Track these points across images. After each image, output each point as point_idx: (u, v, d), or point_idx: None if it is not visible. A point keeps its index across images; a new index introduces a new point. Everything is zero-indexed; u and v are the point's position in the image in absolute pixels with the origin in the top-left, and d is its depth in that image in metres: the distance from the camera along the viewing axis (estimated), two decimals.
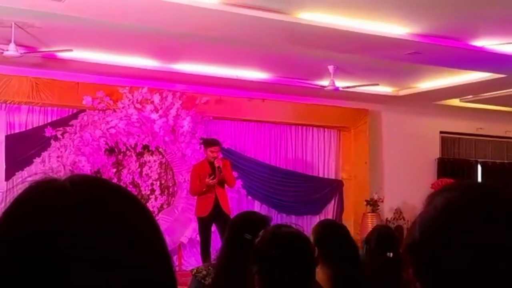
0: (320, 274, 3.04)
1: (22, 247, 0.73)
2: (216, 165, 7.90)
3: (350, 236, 3.19)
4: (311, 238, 3.10)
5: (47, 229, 0.73)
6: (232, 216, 6.55)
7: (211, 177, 7.84)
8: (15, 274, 0.72)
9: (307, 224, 9.95)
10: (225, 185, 8.08)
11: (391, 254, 3.80)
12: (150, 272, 0.77)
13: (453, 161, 11.57)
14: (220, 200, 7.91)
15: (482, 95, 9.92)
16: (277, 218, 9.90)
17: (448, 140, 11.79)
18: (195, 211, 8.14)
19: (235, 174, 9.43)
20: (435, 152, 11.50)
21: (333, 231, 3.16)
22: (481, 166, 11.84)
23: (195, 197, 8.18)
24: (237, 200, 9.43)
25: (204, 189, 7.93)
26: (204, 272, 3.21)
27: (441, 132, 11.60)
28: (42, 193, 0.79)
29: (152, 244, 0.79)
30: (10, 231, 0.75)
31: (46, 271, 0.71)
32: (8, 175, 8.22)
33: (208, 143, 8.23)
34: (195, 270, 3.28)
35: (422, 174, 10.84)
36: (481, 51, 7.16)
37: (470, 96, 10.15)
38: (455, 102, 10.60)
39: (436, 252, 0.91)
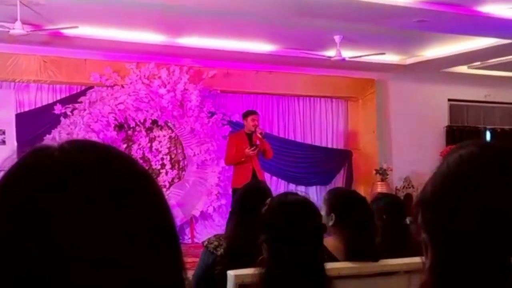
0: (332, 241, 3.08)
1: (5, 221, 0.72)
2: (258, 131, 8.00)
3: (367, 203, 3.22)
4: (325, 205, 3.13)
5: (31, 201, 0.72)
6: None
7: (252, 148, 7.92)
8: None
9: (317, 194, 10.01)
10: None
11: (408, 221, 3.82)
12: (152, 251, 0.74)
13: (461, 129, 11.55)
14: (257, 171, 7.98)
15: (489, 61, 9.86)
16: (287, 188, 9.94)
17: (456, 108, 11.76)
18: (231, 182, 8.18)
19: None
20: (444, 120, 11.48)
21: (351, 199, 3.18)
22: (490, 133, 11.81)
23: (229, 168, 8.40)
24: None
25: (243, 159, 8.00)
26: (216, 243, 3.25)
27: (449, 100, 11.56)
28: (28, 164, 0.77)
29: (153, 219, 0.76)
30: None
31: (28, 246, 0.70)
32: (20, 154, 8.23)
33: (248, 112, 8.36)
34: (206, 242, 3.32)
35: (431, 142, 10.84)
36: (488, 17, 7.11)
37: (478, 63, 10.09)
38: (463, 69, 10.55)
39: (447, 207, 0.90)
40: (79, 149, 0.78)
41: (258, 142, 8.02)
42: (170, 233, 0.78)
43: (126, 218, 0.73)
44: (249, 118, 8.11)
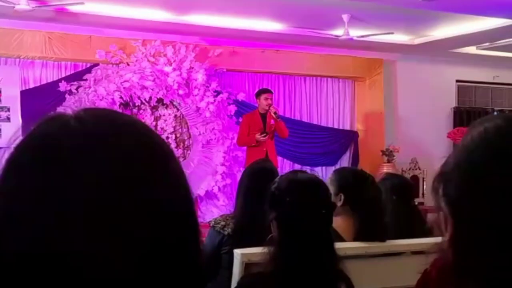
0: (339, 221, 3.05)
1: (19, 193, 0.70)
2: (272, 111, 7.99)
3: (376, 183, 3.19)
4: (332, 186, 3.10)
5: (45, 172, 0.70)
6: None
7: (262, 135, 7.89)
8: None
9: (322, 175, 9.99)
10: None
11: (416, 202, 3.80)
12: (170, 222, 0.73)
13: (469, 110, 11.47)
14: (269, 153, 7.94)
15: (498, 42, 9.76)
16: (292, 169, 9.93)
17: (464, 89, 11.68)
18: (245, 163, 8.14)
19: None
20: (451, 101, 11.41)
21: (360, 178, 3.15)
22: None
23: (242, 148, 8.47)
24: None
25: (253, 144, 7.99)
26: (223, 223, 3.24)
27: (457, 81, 11.49)
28: (44, 133, 0.76)
29: (170, 192, 0.75)
30: (11, 175, 0.73)
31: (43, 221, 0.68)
32: (24, 131, 8.09)
33: (261, 90, 8.40)
34: (213, 222, 3.31)
35: (438, 124, 10.79)
36: None
37: (487, 44, 9.99)
38: (472, 49, 10.45)
39: (471, 179, 0.89)
40: (96, 118, 0.76)
41: (272, 122, 7.98)
42: (189, 213, 0.78)
43: (142, 194, 0.71)
44: (262, 97, 8.09)
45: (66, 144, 0.72)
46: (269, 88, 8.92)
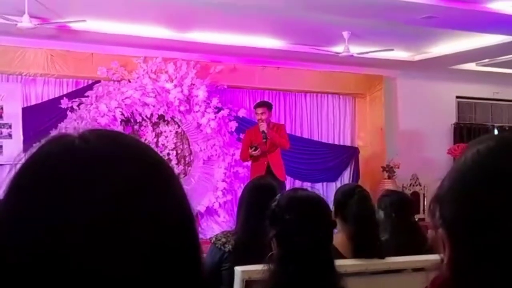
0: (338, 238, 3.06)
1: (25, 214, 0.71)
2: (261, 129, 7.86)
3: (368, 197, 3.20)
4: (333, 200, 3.14)
5: (53, 193, 0.71)
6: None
7: (252, 149, 7.84)
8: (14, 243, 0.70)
9: (324, 192, 9.98)
10: (279, 148, 8.06)
11: (417, 218, 3.81)
12: (172, 241, 0.75)
13: (469, 126, 11.49)
14: (272, 166, 7.88)
15: (498, 58, 9.80)
16: (293, 185, 9.91)
17: (464, 105, 11.71)
18: (249, 178, 8.11)
19: None
20: (451, 117, 11.43)
21: (350, 192, 3.18)
22: (498, 131, 11.76)
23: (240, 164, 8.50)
24: None
25: (250, 159, 7.97)
26: (224, 240, 3.24)
27: (457, 97, 11.51)
28: (49, 153, 0.76)
29: (172, 214, 0.77)
30: (17, 195, 0.74)
31: (47, 240, 0.69)
32: (26, 147, 8.25)
33: (256, 104, 8.31)
34: (214, 238, 3.31)
35: (439, 140, 10.80)
36: (497, 14, 7.06)
37: (486, 60, 10.03)
38: (471, 66, 10.49)
39: (465, 201, 0.89)
40: (101, 139, 0.78)
41: (267, 137, 7.87)
42: (190, 230, 0.80)
43: (146, 216, 0.73)
44: (256, 111, 8.07)
45: (70, 166, 0.73)
46: (267, 102, 8.85)
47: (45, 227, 0.70)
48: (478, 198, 0.88)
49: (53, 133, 7.21)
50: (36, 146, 0.78)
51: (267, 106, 8.12)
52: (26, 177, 0.75)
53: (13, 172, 0.76)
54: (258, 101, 8.60)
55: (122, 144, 0.78)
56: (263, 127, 7.85)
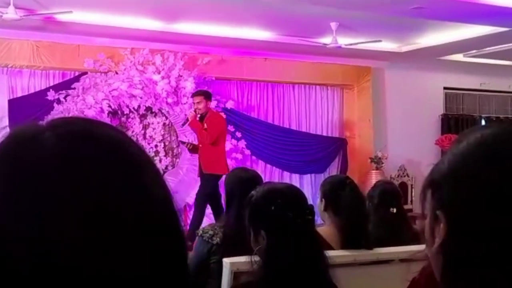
0: (326, 229, 3.07)
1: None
2: (187, 116, 8.00)
3: (356, 188, 3.21)
4: (319, 192, 3.15)
5: (21, 185, 0.68)
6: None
7: (185, 143, 8.01)
8: None
9: (312, 183, 10.01)
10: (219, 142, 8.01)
11: (394, 210, 3.83)
12: (155, 232, 0.72)
13: (457, 117, 11.53)
14: (200, 158, 7.96)
15: (485, 49, 9.83)
16: (281, 177, 9.94)
17: (451, 96, 11.74)
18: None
19: (238, 134, 9.46)
20: (439, 108, 11.47)
21: (339, 183, 3.18)
22: (485, 121, 11.81)
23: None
24: (241, 160, 9.46)
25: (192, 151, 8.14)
26: (211, 232, 3.24)
27: (444, 88, 11.54)
28: (11, 152, 0.72)
29: (156, 218, 0.73)
30: None
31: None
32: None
33: (193, 93, 8.25)
34: (201, 231, 3.30)
35: (426, 131, 10.84)
36: (484, 4, 7.07)
37: (474, 51, 10.06)
38: (459, 57, 10.52)
39: (468, 183, 0.89)
40: (74, 134, 0.73)
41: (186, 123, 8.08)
42: (169, 226, 0.75)
43: (127, 216, 0.70)
44: (193, 100, 8.09)
45: (33, 158, 0.70)
46: (252, 97, 8.78)
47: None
48: (483, 177, 0.88)
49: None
50: (3, 135, 0.74)
51: (204, 95, 8.02)
52: None
53: None
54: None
55: (88, 133, 0.74)
56: (190, 113, 7.94)
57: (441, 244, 0.90)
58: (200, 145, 7.95)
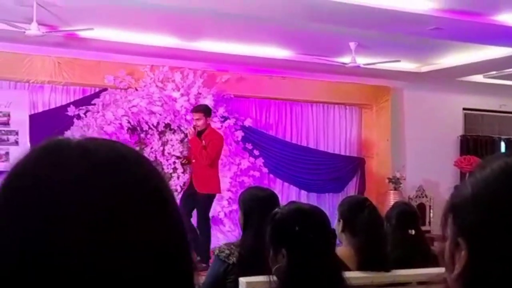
0: (343, 250, 3.05)
1: (20, 221, 0.70)
2: (186, 131, 7.96)
3: (375, 210, 3.20)
4: (337, 213, 3.14)
5: (48, 200, 0.70)
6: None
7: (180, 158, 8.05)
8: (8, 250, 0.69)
9: (329, 202, 9.97)
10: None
11: (413, 232, 3.80)
12: (163, 256, 0.73)
13: (476, 138, 11.45)
14: (194, 177, 7.84)
15: (505, 71, 9.79)
16: (298, 196, 9.92)
17: (471, 117, 11.67)
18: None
19: (256, 152, 9.46)
20: (458, 129, 11.40)
21: (357, 205, 3.17)
22: (505, 143, 11.72)
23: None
24: (259, 178, 9.46)
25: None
26: (227, 252, 3.23)
27: (464, 109, 11.48)
28: (46, 158, 0.74)
29: (165, 232, 0.75)
30: (8, 201, 0.72)
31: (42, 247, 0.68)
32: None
33: (192, 109, 8.14)
34: (217, 251, 3.30)
35: (445, 152, 10.77)
36: (504, 26, 7.06)
37: (494, 72, 10.02)
38: (479, 78, 10.47)
39: (491, 209, 0.89)
40: (98, 147, 0.76)
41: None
42: (182, 254, 0.77)
43: (133, 236, 0.71)
44: (193, 116, 7.99)
45: (61, 177, 0.71)
46: (271, 115, 8.66)
47: (37, 228, 0.69)
48: (507, 205, 0.87)
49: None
50: (33, 148, 0.77)
51: (204, 111, 7.82)
52: (20, 177, 0.74)
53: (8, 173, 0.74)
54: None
55: (118, 157, 0.76)
56: (189, 130, 7.82)
57: (462, 271, 0.90)
58: (194, 160, 7.85)
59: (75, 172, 0.72)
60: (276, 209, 2.33)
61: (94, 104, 8.56)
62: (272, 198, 3.37)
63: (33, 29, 6.73)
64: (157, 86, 8.69)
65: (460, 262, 0.90)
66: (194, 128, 7.78)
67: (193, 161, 7.85)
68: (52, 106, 8.63)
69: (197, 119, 7.76)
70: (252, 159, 9.46)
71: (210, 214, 8.92)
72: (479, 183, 0.92)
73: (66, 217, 0.69)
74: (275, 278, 2.19)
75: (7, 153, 8.25)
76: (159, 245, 0.73)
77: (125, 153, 0.78)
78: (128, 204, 0.72)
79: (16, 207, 0.71)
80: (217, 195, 8.98)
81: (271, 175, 9.86)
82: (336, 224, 3.18)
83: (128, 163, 0.76)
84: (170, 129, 9.04)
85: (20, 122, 8.29)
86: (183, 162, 8.36)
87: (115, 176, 0.73)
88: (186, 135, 8.08)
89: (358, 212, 3.10)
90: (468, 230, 0.90)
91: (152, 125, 8.74)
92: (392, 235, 3.72)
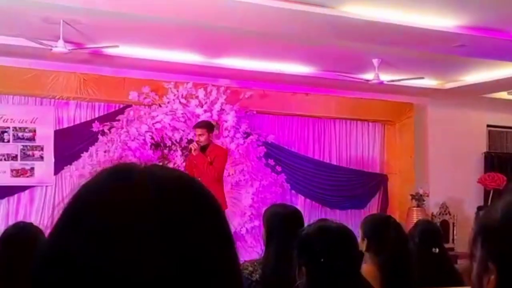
0: (366, 268, 3.04)
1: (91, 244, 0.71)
2: (190, 147, 7.79)
3: (401, 229, 3.18)
4: (360, 231, 3.12)
5: (120, 224, 0.71)
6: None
7: None
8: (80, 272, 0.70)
9: (351, 219, 9.91)
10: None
11: (437, 250, 3.77)
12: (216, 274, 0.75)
13: (500, 155, 11.35)
14: None
15: None
16: (320, 212, 9.89)
17: (495, 134, 11.58)
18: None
19: (278, 168, 9.47)
20: (482, 146, 11.31)
21: (382, 224, 3.15)
22: None
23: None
24: (281, 194, 9.45)
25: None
26: (251, 268, 3.23)
27: (488, 126, 11.40)
28: (109, 193, 0.75)
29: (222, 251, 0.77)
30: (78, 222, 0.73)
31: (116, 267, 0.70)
32: (57, 169, 8.42)
33: (194, 124, 8.08)
34: (240, 267, 3.30)
35: (469, 169, 10.68)
36: None
37: None
38: (503, 95, 10.41)
39: None
40: (165, 173, 0.78)
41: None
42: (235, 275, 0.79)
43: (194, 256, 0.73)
44: (195, 132, 7.92)
45: (127, 207, 0.72)
46: (293, 131, 8.62)
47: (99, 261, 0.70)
48: None
49: (84, 156, 7.19)
50: (96, 173, 0.78)
51: (207, 127, 7.83)
52: (79, 210, 0.74)
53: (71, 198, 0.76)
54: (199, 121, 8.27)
55: (186, 192, 0.78)
56: (193, 146, 7.71)
57: None
58: (200, 179, 7.72)
59: (145, 197, 0.73)
60: (305, 226, 2.33)
61: (119, 120, 8.63)
62: (295, 215, 3.37)
63: (60, 46, 6.83)
64: (180, 102, 8.74)
65: (490, 287, 0.90)
66: (197, 143, 7.75)
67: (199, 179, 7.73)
68: (77, 122, 8.72)
69: (200, 135, 7.75)
70: (274, 175, 9.47)
71: (232, 231, 8.92)
72: (508, 206, 0.92)
73: (130, 238, 0.70)
74: None
75: (32, 168, 8.35)
76: (225, 275, 0.75)
77: (192, 181, 0.81)
78: (198, 231, 0.74)
79: (82, 222, 0.72)
80: (240, 211, 9.02)
81: (293, 191, 9.85)
82: (359, 242, 3.16)
83: (196, 191, 0.79)
84: None
85: (45, 137, 8.40)
86: None
87: (185, 201, 0.75)
88: (190, 151, 7.96)
89: (383, 230, 3.08)
90: (499, 255, 0.90)
91: (175, 141, 8.79)
92: (416, 253, 3.69)
